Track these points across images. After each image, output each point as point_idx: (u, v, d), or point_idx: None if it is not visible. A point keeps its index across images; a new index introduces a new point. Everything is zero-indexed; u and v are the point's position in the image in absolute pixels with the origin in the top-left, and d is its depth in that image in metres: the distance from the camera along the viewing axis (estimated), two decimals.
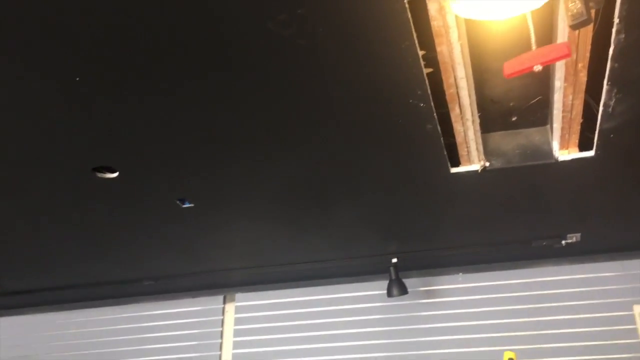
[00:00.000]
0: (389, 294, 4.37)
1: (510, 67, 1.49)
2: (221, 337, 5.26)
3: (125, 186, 3.36)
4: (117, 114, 2.67)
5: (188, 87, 2.52)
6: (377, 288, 4.77)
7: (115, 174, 3.23)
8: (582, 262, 4.50)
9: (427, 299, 4.75)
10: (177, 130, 2.84)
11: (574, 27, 1.57)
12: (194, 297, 5.34)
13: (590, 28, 2.28)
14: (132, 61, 2.33)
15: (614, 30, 2.21)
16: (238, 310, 5.24)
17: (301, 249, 4.38)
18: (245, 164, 3.19)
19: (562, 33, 2.30)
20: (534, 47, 1.43)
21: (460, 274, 4.71)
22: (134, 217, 3.81)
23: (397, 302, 4.73)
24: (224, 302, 5.34)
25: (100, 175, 3.23)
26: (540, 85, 2.89)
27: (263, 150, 3.06)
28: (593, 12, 1.92)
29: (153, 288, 5.22)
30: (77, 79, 2.41)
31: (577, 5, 1.54)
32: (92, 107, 2.61)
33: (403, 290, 4.34)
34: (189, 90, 2.54)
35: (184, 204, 3.64)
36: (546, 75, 2.77)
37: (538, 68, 1.45)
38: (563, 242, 4.11)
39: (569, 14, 1.55)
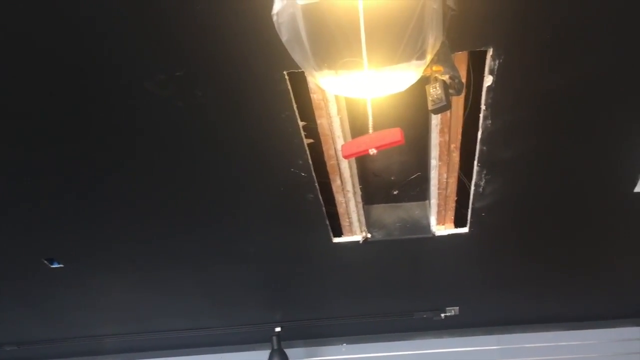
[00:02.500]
0: None
1: (348, 149, 1.52)
2: None
3: None
4: None
5: (58, 142, 2.39)
6: (259, 358, 4.61)
7: None
8: (461, 335, 4.60)
9: None
10: (45, 185, 2.68)
11: (433, 111, 1.63)
12: None
13: (460, 111, 2.41)
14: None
15: (481, 115, 2.34)
16: None
17: (181, 315, 4.18)
18: (120, 225, 3.04)
19: (435, 115, 2.41)
20: (370, 130, 1.47)
21: (344, 344, 4.66)
22: None
23: None
24: None
25: None
26: (419, 162, 2.99)
27: (140, 212, 2.93)
28: (454, 98, 2.03)
29: (15, 354, 4.76)
30: None
31: (437, 92, 1.61)
32: None
33: None
34: (58, 146, 2.41)
35: (52, 264, 3.39)
36: (424, 153, 2.88)
37: (373, 152, 1.49)
38: (442, 315, 4.19)
39: (430, 98, 1.62)
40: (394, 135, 1.46)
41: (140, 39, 1.94)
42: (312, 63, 1.53)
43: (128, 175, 2.66)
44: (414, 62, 1.52)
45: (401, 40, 1.46)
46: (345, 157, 1.53)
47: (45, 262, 3.35)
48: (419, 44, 1.48)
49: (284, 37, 1.53)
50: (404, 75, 1.54)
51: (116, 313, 4.14)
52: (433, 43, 1.54)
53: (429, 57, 1.55)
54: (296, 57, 1.56)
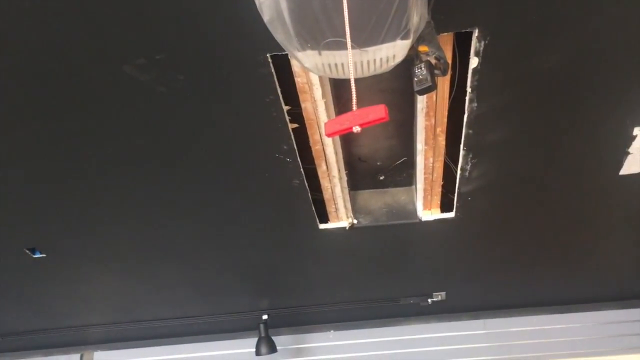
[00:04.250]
0: (257, 352, 4.21)
1: (331, 127, 1.48)
2: None
3: None
4: None
5: (39, 127, 2.34)
6: (246, 346, 4.59)
7: None
8: (448, 320, 4.61)
9: (298, 357, 4.64)
10: (26, 173, 2.63)
11: (419, 92, 1.61)
12: (46, 355, 4.86)
13: (446, 94, 2.39)
14: None
15: (467, 98, 2.32)
16: None
17: (166, 304, 4.14)
18: (104, 214, 2.99)
19: (421, 97, 2.38)
20: (354, 107, 1.44)
21: (332, 331, 4.66)
22: None
23: None
24: None
25: None
26: (405, 146, 2.97)
27: (123, 200, 2.89)
28: (440, 80, 2.00)
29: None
30: None
31: (422, 72, 1.59)
32: None
33: (272, 349, 4.20)
34: (40, 131, 2.36)
35: (34, 254, 3.33)
36: (411, 137, 2.86)
37: (357, 129, 1.45)
38: (429, 300, 4.19)
39: (415, 79, 1.59)
40: (378, 111, 1.43)
41: (119, 21, 1.89)
42: (295, 43, 1.50)
43: (111, 164, 2.62)
44: (399, 42, 1.49)
45: (385, 19, 1.43)
46: (328, 135, 1.49)
47: (28, 252, 3.30)
48: (403, 23, 1.45)
49: (266, 17, 1.49)
50: (388, 55, 1.51)
51: (101, 303, 4.09)
52: (418, 22, 1.51)
53: (413, 37, 1.52)
54: (279, 37, 1.53)
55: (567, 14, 1.97)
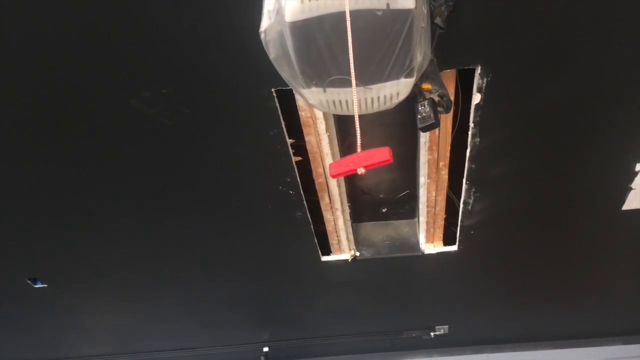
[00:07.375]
0: None
1: (336, 168, 1.50)
2: None
3: None
4: None
5: (45, 161, 2.36)
6: None
7: None
8: (451, 354, 4.56)
9: None
10: (28, 203, 2.64)
11: (422, 129, 1.63)
12: None
13: (449, 129, 2.41)
14: None
15: (469, 133, 2.34)
16: None
17: (167, 336, 4.11)
18: (105, 244, 2.99)
19: (424, 133, 2.40)
20: (358, 149, 1.45)
21: None
22: None
23: None
24: None
25: None
26: (408, 179, 2.98)
27: (124, 231, 2.89)
28: (443, 116, 2.02)
29: None
30: None
31: (426, 109, 1.60)
32: None
33: None
34: (43, 165, 2.38)
35: (35, 284, 3.32)
36: (413, 170, 2.87)
37: (361, 171, 1.47)
38: (432, 333, 4.15)
39: (419, 116, 1.61)
40: (383, 154, 1.44)
41: (126, 56, 1.92)
42: (300, 81, 1.52)
43: (113, 195, 2.63)
44: (403, 80, 1.51)
45: (390, 58, 1.45)
46: (333, 176, 1.51)
47: (29, 281, 3.29)
48: (407, 62, 1.48)
49: (272, 55, 1.52)
50: (392, 93, 1.53)
51: (101, 334, 4.06)
52: (421, 61, 1.54)
53: (417, 75, 1.54)
54: (284, 74, 1.55)
55: (568, 53, 2.00)
